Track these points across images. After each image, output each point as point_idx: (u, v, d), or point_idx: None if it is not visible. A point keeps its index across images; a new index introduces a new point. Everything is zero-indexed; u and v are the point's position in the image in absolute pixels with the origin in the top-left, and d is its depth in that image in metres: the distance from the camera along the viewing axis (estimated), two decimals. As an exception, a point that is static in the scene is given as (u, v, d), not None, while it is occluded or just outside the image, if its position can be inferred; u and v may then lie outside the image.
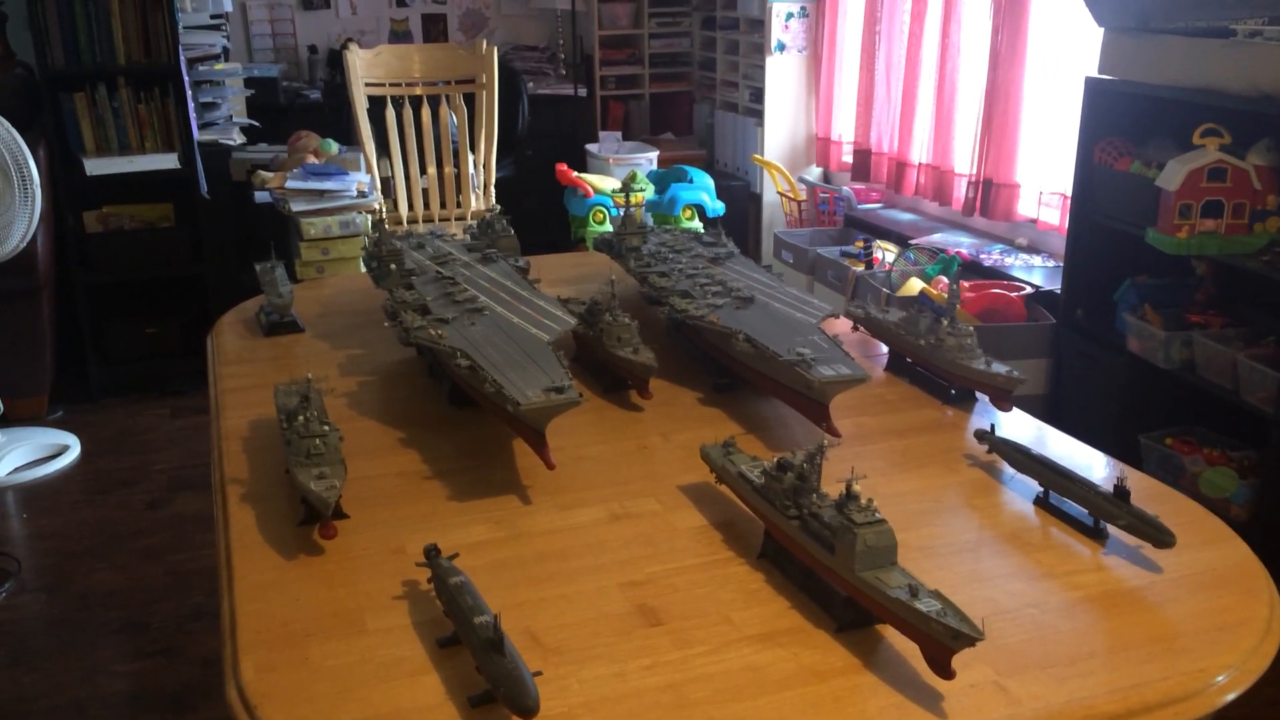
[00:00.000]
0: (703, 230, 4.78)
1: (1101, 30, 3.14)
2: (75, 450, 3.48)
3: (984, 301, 3.56)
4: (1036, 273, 3.81)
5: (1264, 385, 2.63)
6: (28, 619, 2.60)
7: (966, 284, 3.61)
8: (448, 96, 4.39)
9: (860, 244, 4.22)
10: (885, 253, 4.19)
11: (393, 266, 1.83)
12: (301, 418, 1.34)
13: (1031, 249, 4.07)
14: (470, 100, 4.42)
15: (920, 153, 4.49)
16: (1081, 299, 3.36)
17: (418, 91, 4.34)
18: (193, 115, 3.83)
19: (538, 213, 5.35)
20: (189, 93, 3.77)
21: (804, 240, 4.64)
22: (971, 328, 1.67)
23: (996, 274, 3.81)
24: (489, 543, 1.31)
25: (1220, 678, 1.06)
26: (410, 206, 4.35)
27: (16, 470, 3.33)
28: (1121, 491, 1.25)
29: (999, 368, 1.60)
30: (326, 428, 1.34)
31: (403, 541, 1.30)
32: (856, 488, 1.12)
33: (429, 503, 1.41)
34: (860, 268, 4.10)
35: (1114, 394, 3.16)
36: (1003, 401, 1.60)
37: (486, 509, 1.39)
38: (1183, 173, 2.72)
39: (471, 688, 1.03)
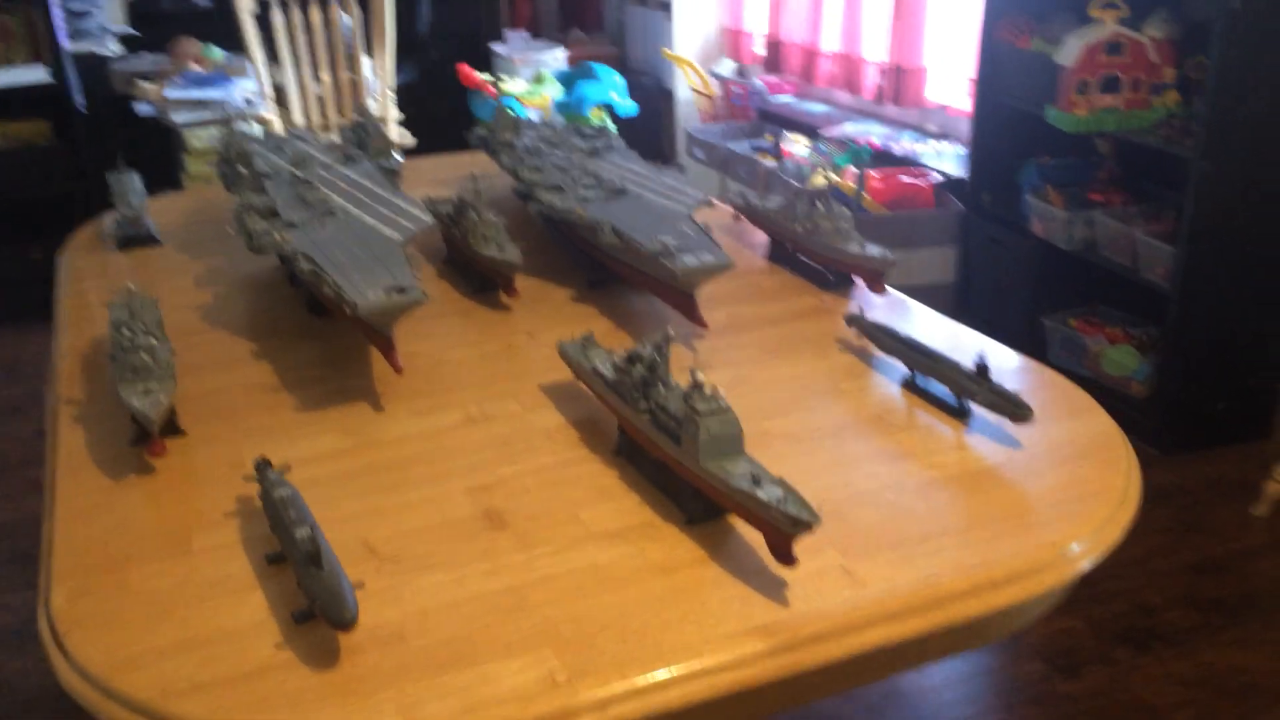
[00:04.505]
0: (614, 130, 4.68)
1: (1000, -98, 3.05)
2: (-39, 382, 3.35)
3: (893, 190, 3.51)
4: (947, 159, 3.76)
5: (1161, 261, 2.63)
6: (-90, 557, 2.51)
7: (875, 173, 3.57)
8: (339, -3, 4.19)
9: (770, 138, 4.15)
10: (796, 145, 4.13)
11: (242, 170, 1.72)
12: (126, 331, 1.26)
13: (943, 135, 4.02)
14: (365, 1, 4.23)
15: (830, 41, 4.39)
16: (987, 183, 3.33)
17: (306, -8, 4.13)
18: (60, 24, 3.62)
19: (449, 117, 5.18)
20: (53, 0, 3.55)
21: (716, 136, 4.55)
22: (847, 210, 1.62)
23: (907, 162, 3.76)
24: (336, 452, 1.25)
25: (1071, 549, 1.04)
26: (306, 116, 4.18)
27: (-102, 405, 3.20)
28: (981, 369, 1.22)
29: (873, 250, 1.56)
30: (154, 341, 1.26)
31: (243, 456, 1.23)
32: (700, 376, 1.07)
33: (276, 415, 1.34)
34: (771, 162, 4.03)
35: (1021, 278, 3.15)
36: (876, 284, 1.56)
37: (338, 418, 1.32)
38: (1080, 48, 2.67)
39: (297, 604, 0.97)
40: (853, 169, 3.63)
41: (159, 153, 4.00)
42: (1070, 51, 2.69)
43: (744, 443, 1.06)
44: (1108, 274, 2.86)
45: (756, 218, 1.79)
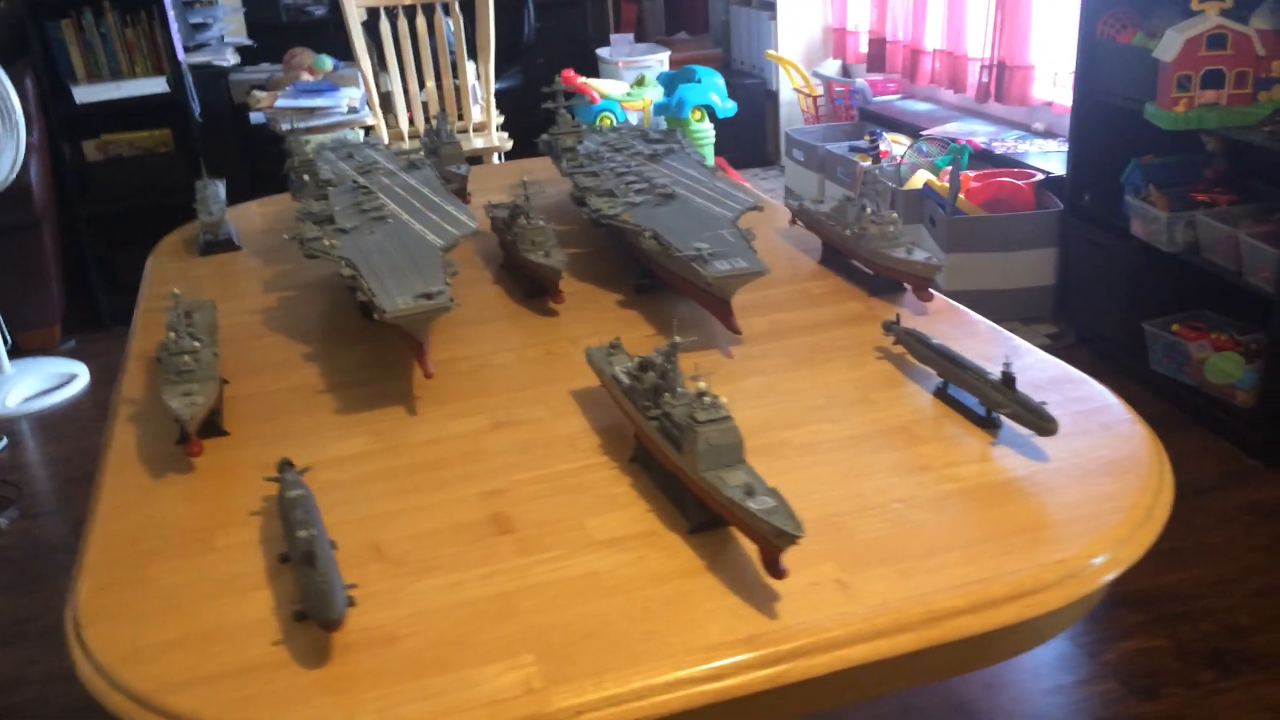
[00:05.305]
0: (711, 130, 4.65)
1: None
2: (84, 378, 3.54)
3: (990, 191, 3.42)
4: (1053, 158, 3.64)
5: (1266, 264, 2.49)
6: (27, 544, 2.67)
7: (972, 173, 3.48)
8: (445, 5, 4.29)
9: (868, 138, 4.08)
10: (896, 145, 4.05)
11: (305, 177, 1.78)
12: (172, 335, 1.31)
13: (1049, 134, 3.90)
14: (470, 9, 4.32)
15: (934, 38, 4.30)
16: (1088, 183, 3.21)
17: (411, 0, 4.24)
18: (177, 36, 3.80)
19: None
20: (171, 13, 3.73)
21: (816, 137, 4.50)
22: (895, 215, 1.59)
23: (1008, 162, 3.66)
24: (364, 455, 1.28)
25: (1085, 566, 1.00)
26: (411, 122, 4.29)
27: (27, 400, 3.40)
28: (1008, 378, 1.18)
29: (919, 254, 1.52)
30: (198, 344, 1.31)
31: (277, 457, 1.27)
32: (703, 384, 1.06)
33: (316, 416, 1.38)
34: (868, 162, 3.97)
35: (1121, 281, 3.03)
36: (923, 290, 1.53)
37: (371, 421, 1.36)
38: (1180, 41, 2.55)
39: (299, 603, 1.01)
40: (951, 169, 3.55)
41: (276, 160, 4.17)
42: (1169, 46, 2.57)
43: (744, 452, 1.05)
44: (1212, 278, 2.73)
45: (810, 221, 1.77)
